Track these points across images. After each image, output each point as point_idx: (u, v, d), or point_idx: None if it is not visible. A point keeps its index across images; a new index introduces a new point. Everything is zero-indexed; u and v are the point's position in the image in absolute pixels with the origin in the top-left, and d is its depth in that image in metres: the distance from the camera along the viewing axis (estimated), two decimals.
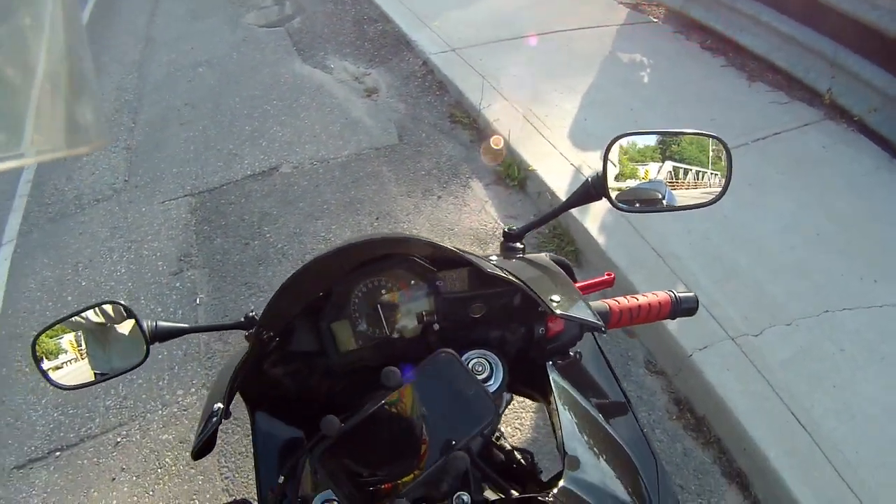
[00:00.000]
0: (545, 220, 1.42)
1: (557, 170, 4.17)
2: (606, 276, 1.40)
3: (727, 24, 5.74)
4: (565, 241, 3.80)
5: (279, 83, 5.82)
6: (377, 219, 4.01)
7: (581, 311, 1.11)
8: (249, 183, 4.42)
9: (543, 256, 1.37)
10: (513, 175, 4.32)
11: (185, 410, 2.93)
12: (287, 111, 5.32)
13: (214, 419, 1.05)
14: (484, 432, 0.96)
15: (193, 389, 3.02)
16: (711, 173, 1.32)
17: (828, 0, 4.73)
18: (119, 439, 2.84)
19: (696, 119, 4.66)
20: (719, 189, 1.31)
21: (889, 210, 3.89)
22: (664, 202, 1.32)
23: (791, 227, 3.70)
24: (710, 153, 1.33)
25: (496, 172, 4.41)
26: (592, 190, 1.32)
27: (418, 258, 1.18)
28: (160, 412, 2.93)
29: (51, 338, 1.23)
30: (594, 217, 3.72)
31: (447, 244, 1.10)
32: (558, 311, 1.06)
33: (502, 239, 1.40)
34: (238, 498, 1.38)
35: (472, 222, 3.99)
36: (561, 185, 4.02)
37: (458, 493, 0.92)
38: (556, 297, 1.09)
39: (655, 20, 6.61)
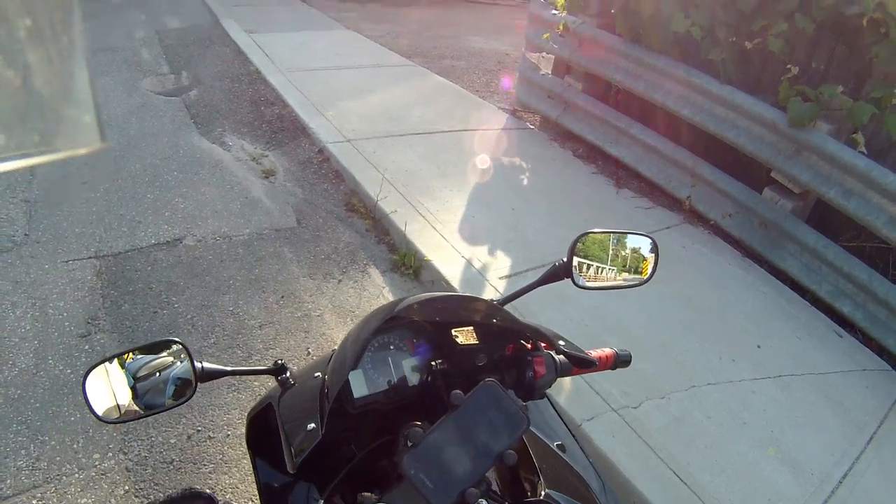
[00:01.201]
0: (520, 294, 1.72)
1: (450, 260, 4.55)
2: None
3: (598, 135, 6.42)
4: None
5: (178, 154, 5.97)
6: (282, 297, 4.23)
7: (576, 350, 1.55)
8: (155, 252, 4.54)
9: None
10: (408, 264, 4.66)
11: (103, 475, 3.00)
12: (188, 184, 5.48)
13: (310, 437, 1.28)
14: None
15: (111, 454, 3.09)
16: (638, 261, 1.80)
17: (691, 118, 5.40)
18: (34, 502, 2.87)
19: (571, 220, 5.24)
20: (647, 273, 1.78)
21: (741, 300, 4.59)
22: (608, 283, 1.73)
23: (657, 315, 4.27)
24: (640, 249, 1.80)
25: (392, 261, 4.75)
26: (559, 272, 1.67)
27: (421, 321, 1.51)
28: (77, 475, 2.98)
29: (102, 373, 1.31)
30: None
31: (474, 295, 1.46)
32: (565, 349, 1.49)
33: None
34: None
35: (371, 306, 4.28)
36: (454, 274, 4.39)
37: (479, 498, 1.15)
38: (561, 342, 1.51)
39: (532, 127, 7.30)
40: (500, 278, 4.40)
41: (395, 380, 1.45)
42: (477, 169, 6.03)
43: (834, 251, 4.64)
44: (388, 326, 1.45)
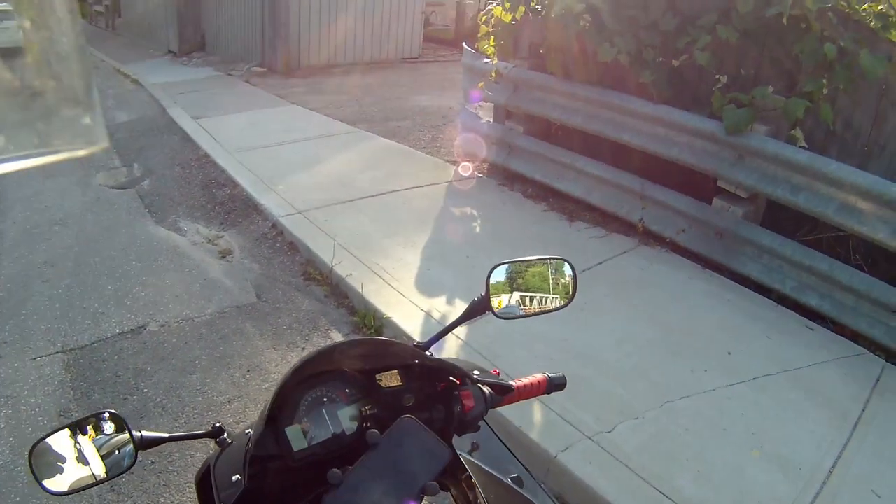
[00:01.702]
0: (446, 333, 1.72)
1: (409, 315, 4.72)
2: (493, 372, 1.77)
3: (545, 173, 6.66)
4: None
5: (136, 244, 6.13)
6: (248, 371, 4.37)
7: (493, 378, 1.63)
8: (120, 341, 4.67)
9: (451, 358, 1.79)
10: (369, 324, 4.82)
11: None
12: (147, 272, 5.63)
13: (234, 487, 1.36)
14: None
15: None
16: (557, 285, 1.86)
17: (632, 142, 5.65)
18: None
19: None
20: (568, 296, 1.83)
21: (706, 311, 4.74)
22: (530, 311, 1.77)
23: (624, 339, 4.41)
24: (558, 273, 1.86)
25: (353, 323, 4.91)
26: (478, 306, 1.70)
27: (349, 370, 1.57)
28: None
29: (46, 447, 1.36)
30: (449, 355, 4.25)
31: (389, 339, 1.58)
32: (479, 378, 1.57)
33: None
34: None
35: None
36: (414, 328, 4.55)
37: None
38: (476, 372, 1.60)
39: (480, 175, 7.53)
40: (463, 325, 4.56)
41: (332, 430, 1.48)
42: (429, 223, 6.26)
43: (791, 248, 4.77)
44: (318, 379, 1.51)
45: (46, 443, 1.37)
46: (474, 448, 1.61)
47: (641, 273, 5.30)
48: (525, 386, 1.71)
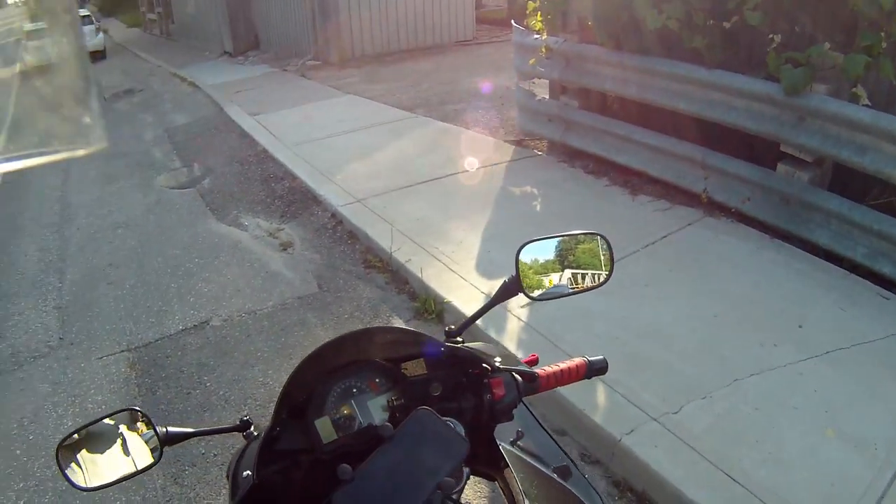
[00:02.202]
0: (478, 317, 1.65)
1: (470, 298, 4.60)
2: (531, 357, 1.68)
3: (604, 147, 6.45)
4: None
5: (198, 242, 6.16)
6: None
7: (518, 365, 1.49)
8: (183, 337, 4.68)
9: (482, 344, 1.68)
10: (430, 309, 4.71)
11: None
12: (209, 268, 5.64)
13: (244, 483, 1.28)
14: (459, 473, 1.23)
15: None
16: (592, 262, 1.70)
17: (689, 110, 5.40)
18: None
19: None
20: (605, 273, 1.68)
21: (775, 282, 4.46)
22: (565, 289, 1.65)
23: (690, 314, 4.18)
24: (599, 250, 1.69)
25: (414, 309, 4.82)
26: (510, 288, 1.61)
27: (379, 360, 1.49)
28: None
29: (73, 444, 1.35)
30: (511, 339, 4.13)
31: (407, 327, 1.50)
32: (500, 366, 1.43)
33: (444, 336, 1.63)
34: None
35: None
36: (474, 311, 4.43)
37: None
38: (497, 359, 1.46)
39: (540, 153, 7.37)
40: (522, 307, 4.43)
41: (362, 421, 1.41)
42: (488, 205, 6.12)
43: (861, 212, 4.48)
44: (347, 369, 1.45)
45: (73, 439, 1.36)
46: (519, 437, 1.54)
47: (707, 245, 5.05)
48: (561, 372, 1.59)
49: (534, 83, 7.64)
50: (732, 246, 5.00)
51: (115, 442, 1.38)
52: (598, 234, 1.67)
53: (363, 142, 8.37)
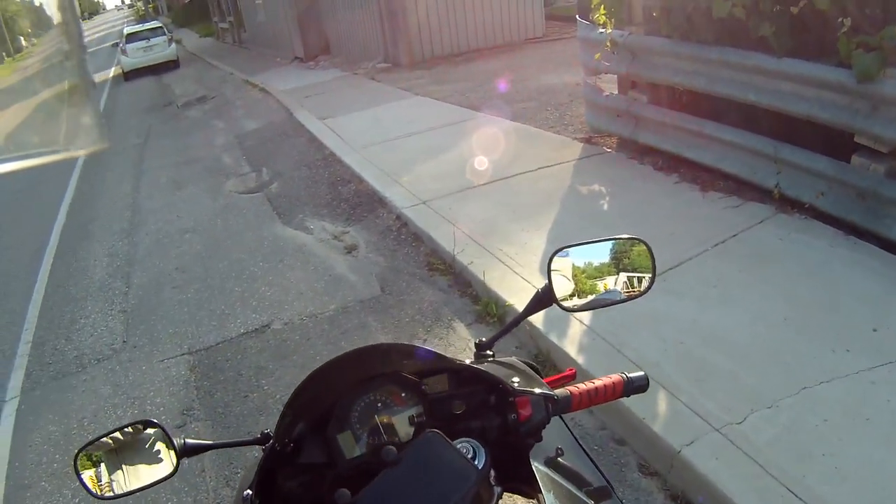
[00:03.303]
0: (509, 329, 1.62)
1: None
2: (568, 372, 1.61)
3: (674, 142, 6.19)
4: (547, 365, 4.02)
5: (263, 246, 6.17)
6: None
7: (539, 388, 1.36)
8: (244, 340, 4.66)
9: (513, 359, 1.59)
10: (492, 312, 4.58)
11: None
12: (273, 272, 5.63)
13: None
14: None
15: None
16: (633, 270, 1.59)
17: (759, 101, 5.12)
18: None
19: (656, 236, 4.91)
20: (646, 282, 1.58)
21: (849, 282, 4.14)
22: (602, 300, 1.56)
23: (758, 318, 3.91)
24: (633, 254, 1.60)
25: (476, 312, 4.69)
26: (543, 298, 1.54)
27: (405, 374, 1.39)
28: None
29: (91, 453, 1.37)
30: (572, 343, 3.97)
31: (426, 346, 1.37)
32: (518, 389, 1.31)
33: (474, 348, 1.59)
34: None
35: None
36: (537, 316, 4.22)
37: None
38: (516, 380, 1.34)
39: (609, 150, 7.12)
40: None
41: (387, 438, 1.33)
42: (555, 204, 5.94)
43: None
44: (372, 383, 1.37)
45: (91, 448, 1.37)
46: (558, 454, 1.42)
47: (779, 243, 4.75)
48: (595, 390, 1.46)
49: (601, 79, 7.41)
50: (805, 244, 4.69)
51: (132, 452, 1.39)
52: (638, 239, 1.58)
53: (430, 143, 8.28)
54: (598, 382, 1.45)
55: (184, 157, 9.45)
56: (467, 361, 1.45)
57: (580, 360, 3.79)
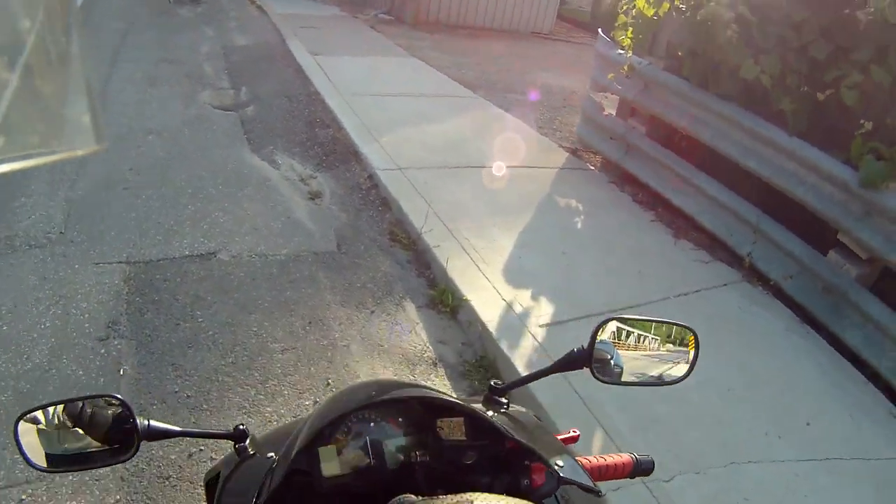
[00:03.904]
0: (529, 380, 1.52)
1: (489, 303, 4.32)
2: (573, 434, 1.57)
3: (659, 181, 6.15)
4: (490, 373, 3.93)
5: (226, 168, 5.89)
6: (310, 323, 4.06)
7: (580, 477, 1.28)
8: (186, 263, 4.42)
9: (528, 413, 1.54)
10: (446, 302, 4.45)
11: (96, 480, 2.85)
12: (231, 198, 5.38)
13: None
14: None
15: (108, 470, 2.93)
16: (674, 356, 1.57)
17: (758, 171, 5.09)
18: (24, 497, 2.74)
19: (623, 270, 4.96)
20: (684, 370, 1.56)
21: (796, 370, 4.18)
22: (635, 378, 1.51)
23: (705, 381, 3.86)
24: (677, 340, 1.57)
25: (429, 297, 4.55)
26: (578, 360, 1.46)
27: (416, 405, 1.30)
28: (71, 478, 2.84)
29: (37, 420, 1.24)
30: (521, 356, 3.87)
31: (453, 397, 1.26)
32: (564, 476, 1.23)
33: (488, 391, 1.50)
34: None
35: (402, 342, 4.08)
36: (492, 318, 4.15)
37: None
38: (559, 462, 1.26)
39: (592, 168, 7.08)
40: (541, 326, 4.16)
41: (372, 460, 1.26)
42: (530, 208, 5.81)
43: None
44: (373, 405, 1.29)
45: (40, 414, 1.25)
46: None
47: (738, 313, 4.75)
48: (606, 466, 1.46)
49: (606, 97, 7.30)
50: (763, 320, 4.71)
51: (88, 427, 1.26)
52: (689, 329, 1.56)
53: (418, 109, 8.05)
54: (609, 459, 1.45)
55: (165, 55, 9.00)
56: (480, 403, 1.42)
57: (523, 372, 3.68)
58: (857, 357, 4.43)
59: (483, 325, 4.15)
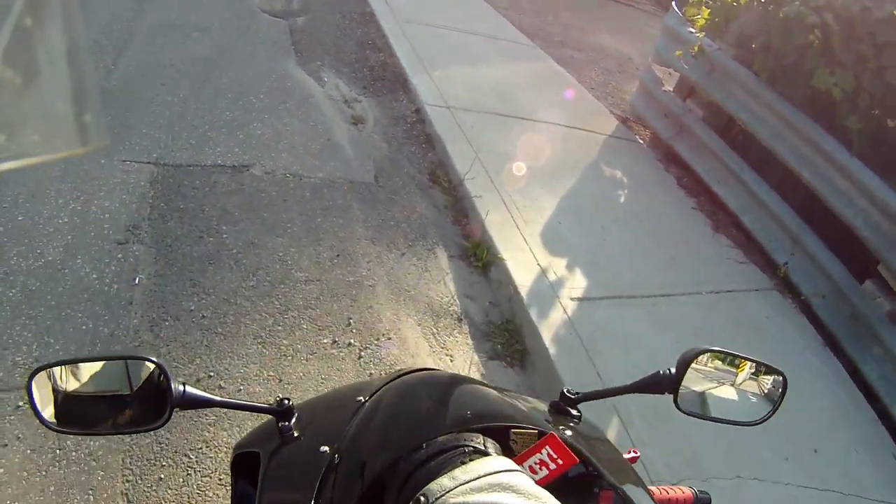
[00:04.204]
0: (606, 395, 1.42)
1: (524, 265, 4.12)
2: (634, 454, 1.51)
3: (707, 170, 5.95)
4: (515, 339, 3.74)
5: (270, 78, 5.62)
6: (337, 256, 3.86)
7: (626, 479, 1.19)
8: (217, 173, 4.20)
9: (597, 428, 1.43)
10: (479, 256, 4.24)
11: None
12: (271, 110, 5.12)
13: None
14: None
15: None
16: (758, 395, 1.51)
17: (810, 181, 4.89)
18: (21, 403, 2.57)
19: (658, 254, 4.78)
20: (766, 410, 1.47)
21: (811, 393, 4.05)
22: (716, 413, 1.44)
23: None
24: (765, 380, 1.52)
25: (463, 248, 4.34)
26: (662, 384, 1.39)
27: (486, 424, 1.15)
28: None
29: (55, 375, 1.09)
30: (549, 327, 3.68)
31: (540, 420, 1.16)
32: (610, 482, 1.13)
33: (559, 398, 1.39)
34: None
35: (429, 291, 3.88)
36: (525, 283, 3.96)
37: None
38: (631, 493, 1.14)
39: (641, 141, 6.80)
40: (572, 299, 3.97)
41: None
42: (575, 172, 5.56)
43: None
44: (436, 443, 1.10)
45: (60, 370, 1.09)
46: None
47: (765, 322, 4.57)
48: (668, 500, 1.44)
49: (670, 73, 6.96)
50: (787, 334, 4.55)
51: (116, 388, 1.13)
52: (780, 372, 1.49)
53: (474, 48, 7.70)
54: (671, 493, 1.44)
55: None
56: (545, 408, 1.36)
57: (552, 350, 3.56)
58: (871, 391, 4.33)
59: (515, 287, 3.95)
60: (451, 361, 3.48)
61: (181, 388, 1.11)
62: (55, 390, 1.08)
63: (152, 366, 1.11)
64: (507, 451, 1.11)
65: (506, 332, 3.81)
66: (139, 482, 2.47)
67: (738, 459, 3.34)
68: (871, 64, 4.49)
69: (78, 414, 1.10)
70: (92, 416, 1.12)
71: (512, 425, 1.11)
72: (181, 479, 2.53)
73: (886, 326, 4.33)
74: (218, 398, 1.17)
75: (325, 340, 3.30)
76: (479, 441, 1.01)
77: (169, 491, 2.48)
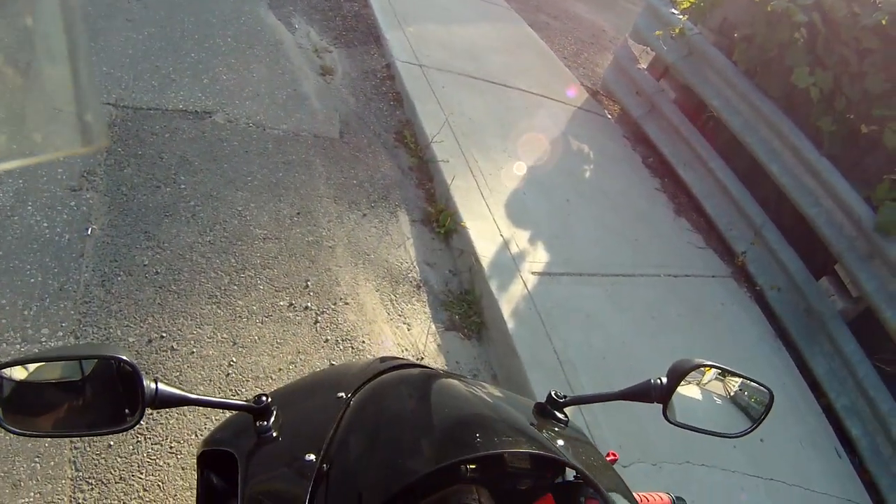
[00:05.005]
0: (593, 401, 1.43)
1: (486, 235, 4.09)
2: (612, 457, 1.49)
3: (674, 152, 5.98)
4: (473, 310, 3.73)
5: (238, 20, 5.43)
6: (298, 214, 3.79)
7: (611, 486, 1.20)
8: (179, 119, 4.06)
9: (580, 432, 1.44)
10: (442, 222, 4.19)
11: None
12: (238, 55, 4.96)
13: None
14: None
15: (61, 333, 2.68)
16: (742, 409, 1.55)
17: (777, 177, 4.94)
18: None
19: (621, 233, 4.84)
20: (748, 424, 1.52)
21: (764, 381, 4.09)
22: (701, 425, 1.45)
23: None
24: (752, 396, 1.55)
25: (425, 212, 4.29)
26: (653, 394, 1.38)
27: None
28: (18, 346, 2.58)
29: (18, 373, 1.02)
30: (509, 300, 3.67)
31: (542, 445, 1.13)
32: (597, 491, 1.13)
33: (546, 401, 1.39)
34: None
35: (389, 256, 3.84)
36: (486, 253, 3.94)
37: None
38: (617, 500, 1.16)
39: (609, 116, 6.78)
40: (533, 273, 3.97)
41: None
42: (542, 142, 5.52)
43: (865, 369, 4.23)
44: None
45: (19, 370, 1.02)
46: None
47: (720, 308, 4.66)
48: None
49: (646, 51, 6.91)
50: (741, 322, 4.67)
51: (80, 387, 1.07)
52: (768, 390, 1.50)
53: (449, 5, 7.53)
54: (651, 499, 1.43)
55: None
56: (530, 409, 1.37)
57: (510, 324, 3.56)
58: (818, 386, 4.46)
59: (476, 257, 3.92)
60: (409, 330, 3.46)
61: (153, 385, 1.05)
62: (11, 390, 1.01)
63: (123, 363, 1.05)
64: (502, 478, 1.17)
65: (464, 303, 3.79)
66: (87, 449, 2.42)
67: (689, 445, 3.39)
68: (852, 68, 4.51)
69: (38, 414, 1.04)
70: (53, 416, 1.06)
71: (510, 451, 1.12)
72: (131, 447, 2.48)
73: (838, 324, 4.44)
74: (192, 396, 1.11)
75: (281, 303, 3.24)
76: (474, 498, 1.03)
77: (119, 459, 2.43)
